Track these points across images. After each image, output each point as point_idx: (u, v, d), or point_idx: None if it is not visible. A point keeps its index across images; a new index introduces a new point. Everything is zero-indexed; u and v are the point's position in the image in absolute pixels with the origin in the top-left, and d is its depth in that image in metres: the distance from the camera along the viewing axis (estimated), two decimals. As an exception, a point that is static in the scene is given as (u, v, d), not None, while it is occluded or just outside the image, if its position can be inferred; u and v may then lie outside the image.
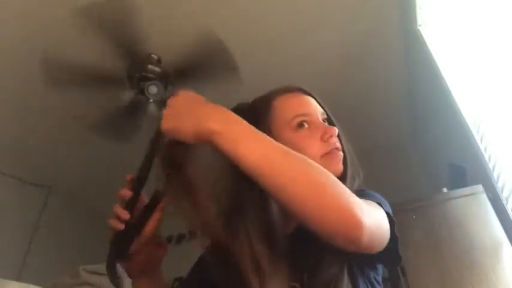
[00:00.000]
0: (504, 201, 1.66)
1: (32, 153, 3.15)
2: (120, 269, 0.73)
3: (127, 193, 0.71)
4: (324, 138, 0.78)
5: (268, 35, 2.50)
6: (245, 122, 0.62)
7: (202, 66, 2.28)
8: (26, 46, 2.39)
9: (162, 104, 2.40)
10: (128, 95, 2.41)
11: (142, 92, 2.36)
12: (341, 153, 0.79)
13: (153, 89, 2.34)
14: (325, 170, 0.60)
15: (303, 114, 0.81)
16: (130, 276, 0.77)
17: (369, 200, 0.69)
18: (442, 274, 1.53)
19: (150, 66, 2.38)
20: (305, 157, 0.60)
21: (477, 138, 1.85)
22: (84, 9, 1.99)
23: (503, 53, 1.58)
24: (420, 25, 2.25)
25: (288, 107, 0.82)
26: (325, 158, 0.77)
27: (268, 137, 0.62)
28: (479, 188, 1.71)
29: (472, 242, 1.58)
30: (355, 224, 0.54)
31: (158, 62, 2.42)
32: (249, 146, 0.59)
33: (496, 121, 1.70)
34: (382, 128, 3.21)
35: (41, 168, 3.29)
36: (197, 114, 0.63)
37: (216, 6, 2.31)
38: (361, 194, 0.73)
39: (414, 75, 2.75)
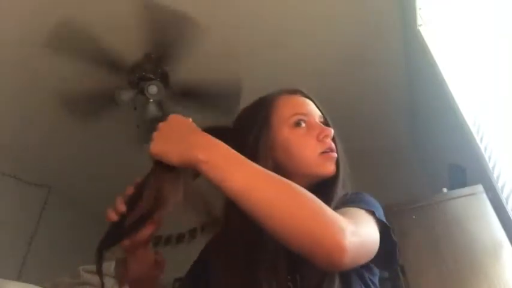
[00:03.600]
0: (504, 201, 1.65)
1: (32, 153, 3.16)
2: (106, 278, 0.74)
3: (130, 190, 0.74)
4: (320, 138, 0.80)
5: (268, 36, 2.50)
6: (230, 150, 0.64)
7: (208, 96, 2.39)
8: (25, 47, 2.39)
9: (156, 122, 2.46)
10: (128, 95, 2.41)
11: (142, 92, 2.37)
12: (335, 154, 0.81)
13: (153, 89, 2.35)
14: (306, 193, 0.60)
15: (301, 114, 0.83)
16: (125, 282, 0.78)
17: (360, 207, 0.70)
18: (442, 274, 1.52)
19: (150, 66, 2.39)
20: (287, 181, 0.61)
21: (477, 138, 1.85)
22: (51, 34, 2.08)
23: (503, 53, 1.58)
24: (420, 25, 2.25)
25: (287, 106, 0.84)
26: (322, 157, 0.80)
27: (252, 163, 0.63)
28: (479, 188, 1.71)
29: (472, 242, 1.57)
30: (337, 248, 0.55)
31: (158, 61, 2.43)
32: (233, 174, 0.61)
33: (495, 121, 1.70)
34: (382, 128, 3.21)
35: (41, 168, 3.29)
36: (184, 141, 0.66)
37: (216, 7, 2.31)
38: (354, 199, 0.74)
39: (414, 75, 2.75)
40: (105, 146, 3.03)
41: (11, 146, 3.05)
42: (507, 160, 1.63)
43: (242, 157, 0.63)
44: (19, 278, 2.80)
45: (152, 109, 2.44)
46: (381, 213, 0.73)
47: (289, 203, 0.58)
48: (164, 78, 2.42)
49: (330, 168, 0.79)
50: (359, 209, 0.70)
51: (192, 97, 2.44)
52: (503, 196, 1.66)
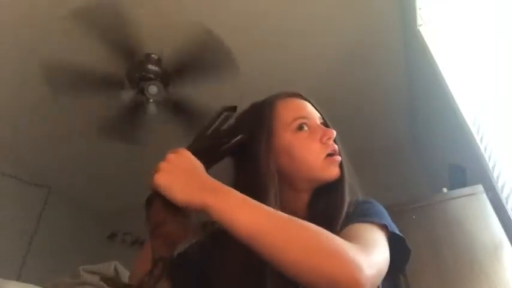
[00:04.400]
0: (504, 201, 1.66)
1: (31, 153, 3.15)
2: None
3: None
4: (323, 140, 0.80)
5: (268, 36, 2.50)
6: (239, 195, 0.62)
7: (199, 61, 2.27)
8: (24, 47, 2.39)
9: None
10: (128, 95, 2.41)
11: (142, 92, 2.37)
12: (339, 157, 0.81)
13: (153, 89, 2.34)
14: (318, 230, 0.59)
15: (303, 117, 0.83)
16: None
17: (373, 222, 0.70)
18: (442, 274, 1.53)
19: (150, 66, 2.39)
20: (299, 221, 0.60)
21: (477, 138, 1.85)
22: (74, 13, 2.00)
23: (503, 53, 1.58)
24: (420, 25, 2.25)
25: (288, 110, 0.84)
26: (326, 161, 0.80)
27: (261, 206, 0.62)
28: (479, 188, 1.71)
29: (472, 242, 1.58)
30: (355, 285, 0.54)
31: (158, 61, 2.42)
32: (241, 220, 0.59)
33: (495, 121, 1.70)
34: (382, 128, 3.21)
35: (41, 168, 3.29)
36: (193, 182, 0.63)
37: (216, 7, 2.31)
38: (365, 211, 0.74)
39: (414, 75, 2.75)
40: (106, 146, 3.03)
41: (11, 146, 3.05)
42: (507, 160, 1.63)
43: (251, 201, 0.62)
44: (19, 278, 2.80)
45: (152, 109, 2.44)
46: (392, 225, 0.73)
47: (302, 245, 0.57)
48: (164, 79, 2.41)
49: (334, 172, 0.79)
50: (371, 225, 0.69)
51: (185, 72, 2.37)
52: (503, 196, 1.67)
